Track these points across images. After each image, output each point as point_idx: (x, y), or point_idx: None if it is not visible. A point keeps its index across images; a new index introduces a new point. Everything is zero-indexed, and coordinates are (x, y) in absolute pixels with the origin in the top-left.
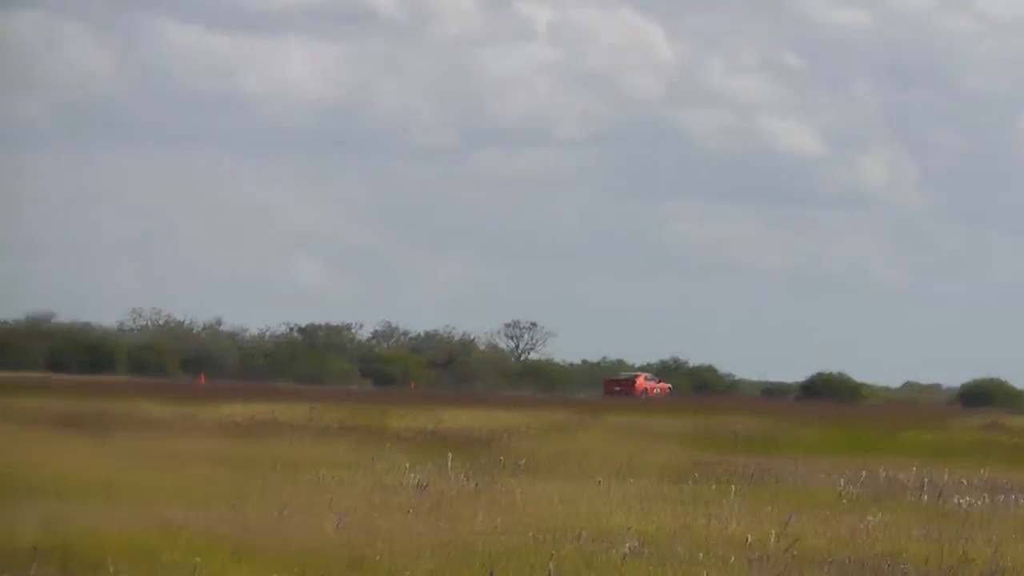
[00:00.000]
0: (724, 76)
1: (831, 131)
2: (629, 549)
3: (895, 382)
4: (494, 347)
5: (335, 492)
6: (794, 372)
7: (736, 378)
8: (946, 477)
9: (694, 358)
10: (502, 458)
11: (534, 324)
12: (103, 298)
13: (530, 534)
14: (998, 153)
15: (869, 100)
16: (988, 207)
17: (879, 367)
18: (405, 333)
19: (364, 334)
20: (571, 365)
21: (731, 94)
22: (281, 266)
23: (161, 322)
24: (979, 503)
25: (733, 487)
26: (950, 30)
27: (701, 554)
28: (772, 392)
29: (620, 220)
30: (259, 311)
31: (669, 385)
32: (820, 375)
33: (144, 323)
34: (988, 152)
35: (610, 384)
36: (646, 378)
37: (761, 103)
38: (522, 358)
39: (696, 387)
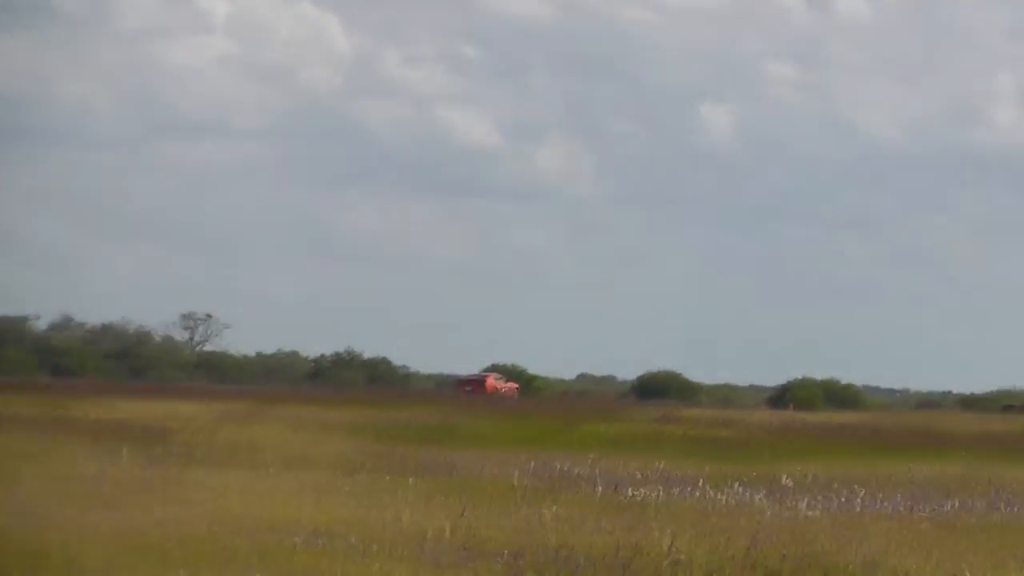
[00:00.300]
0: (401, 67)
1: (508, 122)
2: (302, 540)
3: (570, 374)
4: (170, 338)
5: (9, 484)
6: (470, 364)
7: (411, 370)
8: (621, 469)
9: (369, 350)
10: (178, 449)
11: (209, 315)
12: None
13: (205, 525)
14: (678, 144)
15: (547, 91)
16: (667, 198)
17: (554, 358)
18: (82, 324)
19: (41, 325)
20: (246, 357)
21: (408, 85)
22: None
23: None
24: (654, 495)
25: (408, 479)
26: (631, 21)
27: (375, 546)
28: (447, 384)
29: (298, 211)
30: None
31: (516, 385)
32: (495, 367)
33: None
34: (668, 143)
35: (461, 384)
36: (495, 378)
37: (438, 94)
38: (197, 349)
39: (371, 379)
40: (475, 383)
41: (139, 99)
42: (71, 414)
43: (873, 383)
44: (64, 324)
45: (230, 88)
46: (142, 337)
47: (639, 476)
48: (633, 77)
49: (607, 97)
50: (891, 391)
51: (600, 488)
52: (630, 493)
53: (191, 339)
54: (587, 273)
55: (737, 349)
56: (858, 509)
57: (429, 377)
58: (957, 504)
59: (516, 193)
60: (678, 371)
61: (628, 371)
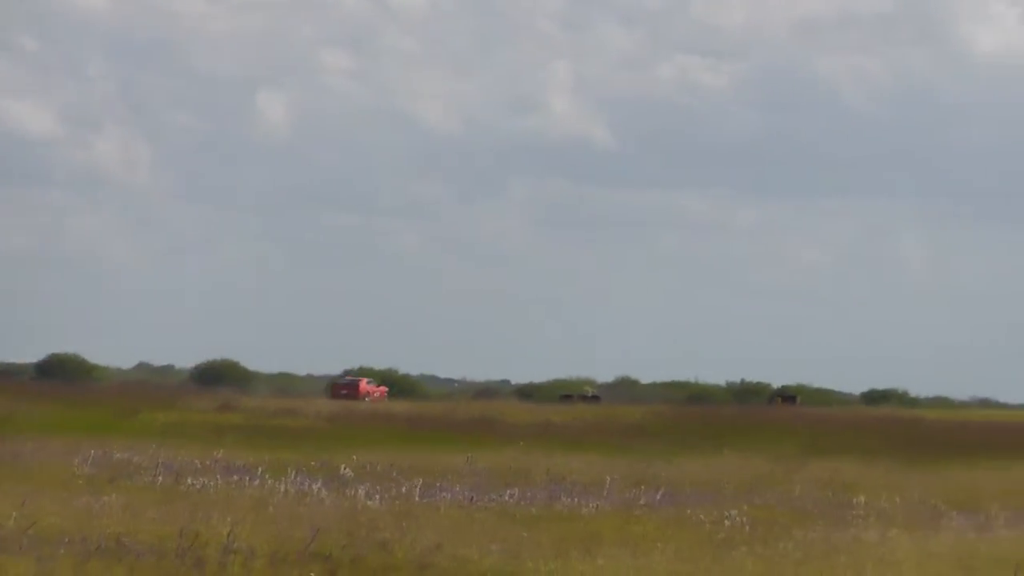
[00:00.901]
0: None
1: (66, 112)
2: None
3: (129, 363)
4: None
5: None
6: (28, 352)
7: None
8: (182, 458)
9: None
10: None
11: None
12: None
13: None
14: (233, 133)
15: (105, 81)
16: (223, 188)
17: (113, 348)
18: None
19: None
20: None
21: None
22: None
23: None
24: (213, 484)
25: None
26: (183, 9)
27: None
28: (6, 373)
29: None
30: None
31: (386, 388)
32: (54, 356)
33: None
34: (223, 132)
35: (337, 388)
36: (367, 382)
37: None
38: None
39: None
40: (349, 387)
41: None
42: None
43: (430, 372)
44: None
45: None
46: None
47: (199, 465)
48: (188, 67)
49: (163, 87)
50: (449, 381)
51: (160, 477)
52: (190, 482)
53: None
54: (146, 262)
55: (294, 337)
56: (417, 499)
57: None
58: (517, 494)
59: (74, 183)
60: (236, 360)
61: (186, 360)
